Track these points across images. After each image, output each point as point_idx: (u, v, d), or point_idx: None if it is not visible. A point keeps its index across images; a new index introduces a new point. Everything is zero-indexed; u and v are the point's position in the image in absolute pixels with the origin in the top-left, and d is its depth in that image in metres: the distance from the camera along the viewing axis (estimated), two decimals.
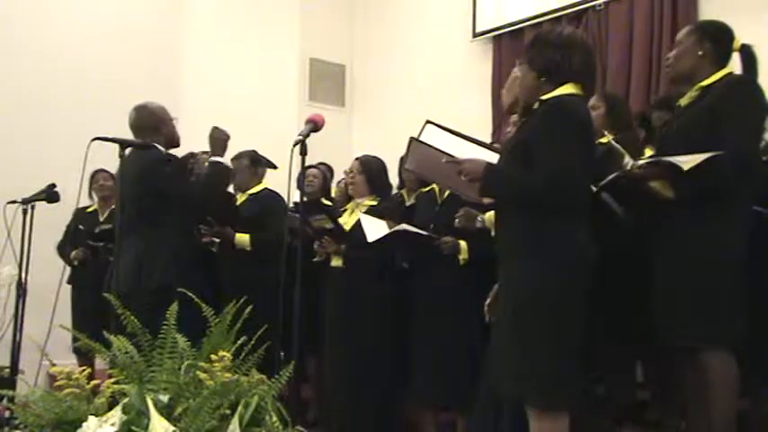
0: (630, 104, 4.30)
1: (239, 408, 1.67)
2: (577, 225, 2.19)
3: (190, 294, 2.00)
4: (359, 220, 3.35)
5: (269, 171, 4.18)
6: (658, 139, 2.83)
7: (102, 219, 4.62)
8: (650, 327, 2.49)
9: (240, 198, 4.07)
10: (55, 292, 3.04)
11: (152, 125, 3.31)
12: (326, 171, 4.68)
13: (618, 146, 2.58)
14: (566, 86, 2.25)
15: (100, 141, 2.78)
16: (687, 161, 2.22)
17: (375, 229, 3.23)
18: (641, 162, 2.43)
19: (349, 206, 3.77)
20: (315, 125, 2.61)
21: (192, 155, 3.66)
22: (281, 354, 2.73)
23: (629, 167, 2.42)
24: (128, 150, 3.03)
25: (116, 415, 1.62)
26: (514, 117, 2.74)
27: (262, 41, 6.55)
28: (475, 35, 5.69)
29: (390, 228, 3.20)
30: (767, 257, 2.53)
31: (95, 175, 4.61)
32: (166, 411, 1.63)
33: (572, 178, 2.12)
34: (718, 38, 2.52)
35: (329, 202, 4.40)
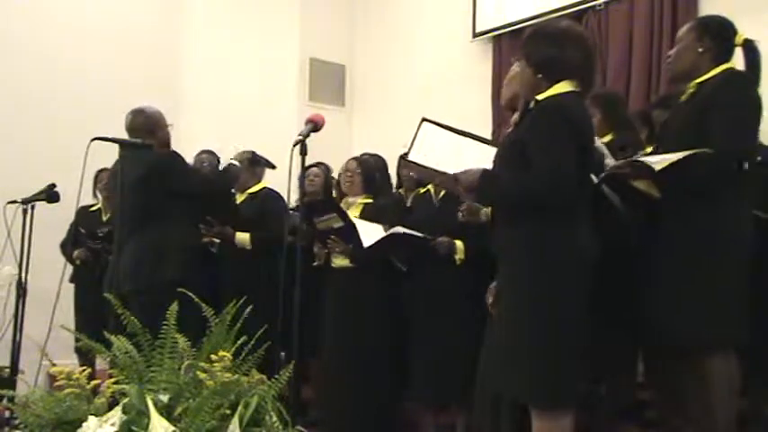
0: (630, 104, 4.31)
1: (239, 408, 1.67)
2: (576, 225, 2.18)
3: (190, 294, 2.00)
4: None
5: (269, 171, 4.18)
6: (657, 137, 2.82)
7: (104, 218, 4.63)
8: (650, 327, 2.48)
9: (239, 198, 4.07)
10: (55, 292, 3.04)
11: (147, 128, 3.36)
12: (326, 170, 4.68)
13: (601, 145, 2.57)
14: (561, 84, 2.23)
15: (100, 141, 2.78)
16: (657, 162, 2.22)
17: (370, 233, 3.23)
18: (619, 162, 2.43)
19: (342, 205, 3.75)
20: (315, 125, 2.61)
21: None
22: (282, 354, 2.73)
23: (608, 168, 2.42)
24: (125, 151, 3.05)
25: (116, 415, 1.62)
26: (515, 117, 2.74)
27: (262, 41, 6.55)
28: (475, 35, 5.69)
29: (386, 231, 3.20)
30: (767, 258, 2.52)
31: (99, 174, 4.62)
32: (166, 411, 1.63)
33: (568, 178, 2.11)
34: (719, 34, 2.47)
35: None
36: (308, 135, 2.56)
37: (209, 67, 6.55)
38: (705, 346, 2.35)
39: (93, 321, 3.92)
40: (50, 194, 3.62)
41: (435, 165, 2.49)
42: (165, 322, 1.81)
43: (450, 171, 2.38)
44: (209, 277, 3.77)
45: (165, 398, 1.66)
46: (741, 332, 2.33)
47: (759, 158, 2.55)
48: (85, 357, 4.19)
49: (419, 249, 3.25)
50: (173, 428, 1.58)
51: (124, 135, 3.38)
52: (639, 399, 3.22)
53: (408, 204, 3.75)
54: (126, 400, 1.66)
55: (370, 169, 3.69)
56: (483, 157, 2.41)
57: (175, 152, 3.35)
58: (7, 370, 3.60)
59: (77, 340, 3.99)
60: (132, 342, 1.82)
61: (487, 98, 5.48)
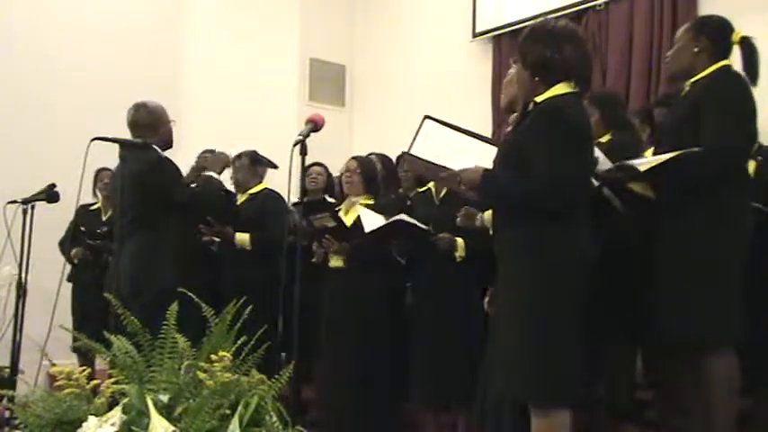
0: (630, 104, 4.31)
1: (239, 408, 1.67)
2: (576, 226, 2.19)
3: (190, 295, 2.00)
4: (356, 219, 3.35)
5: (269, 171, 4.18)
6: (657, 136, 2.83)
7: (104, 217, 4.63)
8: (650, 326, 2.48)
9: (240, 198, 4.07)
10: (55, 292, 3.04)
11: (150, 124, 3.34)
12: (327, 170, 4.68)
13: (597, 151, 2.57)
14: (559, 86, 2.23)
15: (100, 141, 2.78)
16: (642, 163, 2.23)
17: (373, 221, 3.23)
18: (607, 167, 2.44)
19: (344, 205, 3.76)
20: (315, 125, 2.60)
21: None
22: (282, 354, 2.73)
23: (600, 174, 2.43)
24: (126, 151, 3.05)
25: (116, 415, 1.62)
26: (512, 117, 2.74)
27: (262, 41, 6.55)
28: (475, 35, 5.69)
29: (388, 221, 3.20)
30: (767, 257, 2.52)
31: (99, 173, 4.64)
32: (166, 411, 1.63)
33: (568, 179, 2.12)
34: (716, 33, 2.49)
35: (333, 200, 4.39)
36: (308, 135, 2.55)
37: (209, 66, 6.55)
38: (705, 345, 2.35)
39: (91, 321, 3.92)
40: (50, 194, 3.62)
41: (437, 162, 2.49)
42: (165, 323, 1.81)
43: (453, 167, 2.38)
44: (210, 277, 3.77)
45: (165, 398, 1.66)
46: (740, 331, 2.33)
47: (760, 158, 2.56)
48: (85, 357, 4.20)
49: (420, 241, 3.24)
50: (173, 428, 1.58)
51: (125, 134, 3.37)
52: (639, 399, 3.22)
53: (408, 203, 3.76)
54: (126, 400, 1.65)
55: (370, 169, 3.69)
56: (485, 156, 2.41)
57: (168, 159, 3.33)
58: (7, 370, 3.59)
59: (76, 340, 4.01)
60: (132, 342, 1.82)
61: (487, 98, 5.49)
